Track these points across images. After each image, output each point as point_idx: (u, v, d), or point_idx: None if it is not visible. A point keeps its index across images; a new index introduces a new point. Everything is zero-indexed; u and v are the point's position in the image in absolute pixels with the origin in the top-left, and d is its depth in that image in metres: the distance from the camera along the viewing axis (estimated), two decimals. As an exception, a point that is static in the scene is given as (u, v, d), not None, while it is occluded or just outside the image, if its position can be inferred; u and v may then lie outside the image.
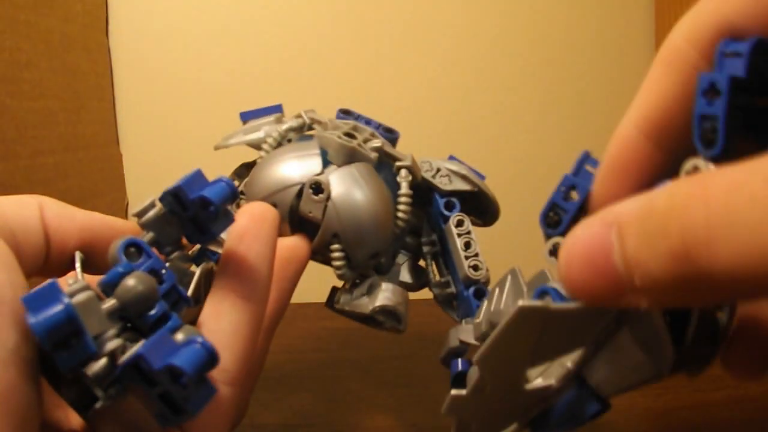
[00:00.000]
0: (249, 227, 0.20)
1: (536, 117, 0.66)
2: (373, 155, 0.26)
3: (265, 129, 0.30)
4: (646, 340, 0.18)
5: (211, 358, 0.17)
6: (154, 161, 0.63)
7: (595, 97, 0.66)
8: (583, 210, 0.21)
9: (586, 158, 0.22)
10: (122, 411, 0.18)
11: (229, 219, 0.20)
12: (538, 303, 0.16)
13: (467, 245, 0.27)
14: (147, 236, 0.20)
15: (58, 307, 0.15)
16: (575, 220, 0.21)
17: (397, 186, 0.27)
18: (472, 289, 0.26)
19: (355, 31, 0.64)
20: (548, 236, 0.21)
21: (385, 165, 0.27)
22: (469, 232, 0.28)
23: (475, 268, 0.27)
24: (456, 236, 0.28)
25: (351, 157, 0.26)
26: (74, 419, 0.20)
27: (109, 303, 0.17)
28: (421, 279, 0.30)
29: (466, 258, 0.27)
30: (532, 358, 0.18)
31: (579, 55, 0.65)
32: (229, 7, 0.63)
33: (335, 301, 0.28)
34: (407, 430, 0.31)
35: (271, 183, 0.26)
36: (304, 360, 0.32)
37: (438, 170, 0.29)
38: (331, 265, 0.26)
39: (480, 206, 0.30)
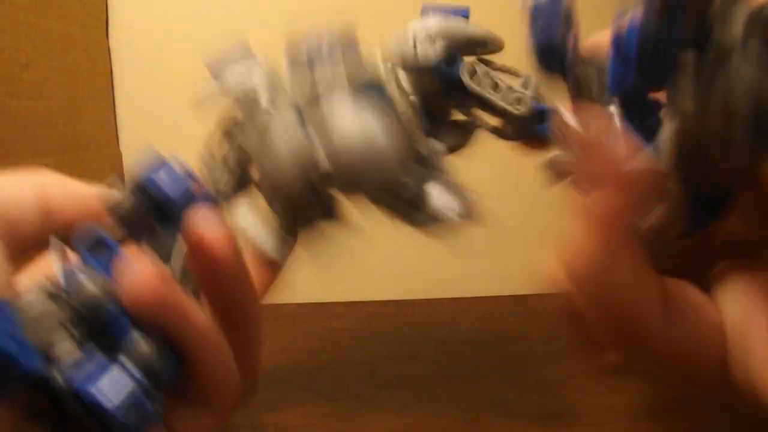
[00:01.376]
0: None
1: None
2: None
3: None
4: None
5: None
6: (154, 161, 0.63)
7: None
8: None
9: None
10: None
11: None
12: None
13: (495, 87, 0.24)
14: (117, 231, 0.20)
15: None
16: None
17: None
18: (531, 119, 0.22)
19: (358, 31, 0.64)
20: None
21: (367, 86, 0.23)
22: (486, 73, 0.24)
23: (518, 101, 0.23)
24: (477, 87, 0.24)
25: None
26: None
27: (63, 312, 0.16)
28: None
29: (503, 100, 0.23)
30: None
31: (579, 55, 0.66)
32: (229, 7, 0.63)
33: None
34: (408, 430, 0.31)
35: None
36: (304, 360, 0.32)
37: (415, 39, 0.24)
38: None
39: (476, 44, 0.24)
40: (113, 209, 0.20)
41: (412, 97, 0.22)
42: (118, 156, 0.63)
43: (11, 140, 0.44)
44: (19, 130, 0.45)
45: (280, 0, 0.63)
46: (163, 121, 0.64)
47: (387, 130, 0.21)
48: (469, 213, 0.23)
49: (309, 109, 0.22)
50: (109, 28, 0.62)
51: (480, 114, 0.23)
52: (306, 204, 0.22)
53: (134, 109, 0.63)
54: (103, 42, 0.61)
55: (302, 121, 0.22)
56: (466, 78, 0.23)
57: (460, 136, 0.24)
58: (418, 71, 0.22)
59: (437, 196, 0.22)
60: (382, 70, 0.23)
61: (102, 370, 0.16)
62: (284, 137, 0.22)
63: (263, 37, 0.67)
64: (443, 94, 0.23)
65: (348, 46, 0.25)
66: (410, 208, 0.22)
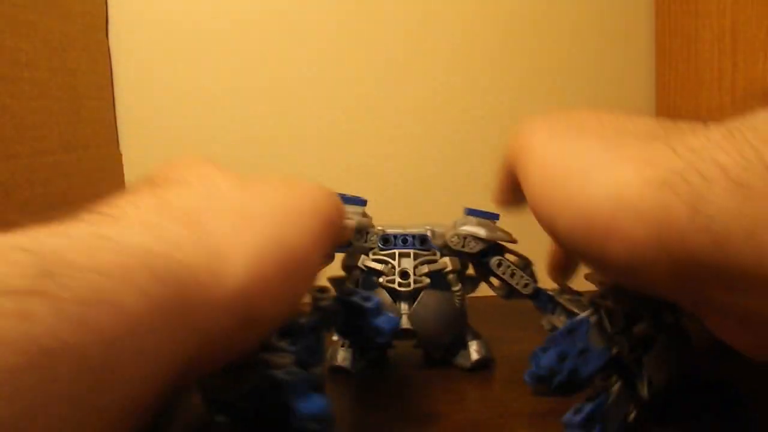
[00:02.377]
0: None
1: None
2: (427, 281, 0.36)
3: (356, 219, 0.37)
4: None
5: None
6: (154, 161, 0.63)
7: (594, 97, 0.66)
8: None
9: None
10: None
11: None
12: None
13: (512, 275, 0.37)
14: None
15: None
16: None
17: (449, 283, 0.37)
18: (537, 297, 0.36)
19: (356, 32, 0.64)
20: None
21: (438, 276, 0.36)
22: (508, 266, 0.37)
23: (525, 286, 0.36)
24: (501, 274, 0.36)
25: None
26: None
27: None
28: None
29: (516, 284, 0.36)
30: None
31: (578, 55, 0.65)
32: (229, 7, 0.63)
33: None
34: (407, 430, 0.31)
35: None
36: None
37: (465, 238, 0.37)
38: None
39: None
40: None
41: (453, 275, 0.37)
42: (118, 156, 0.63)
43: (11, 140, 0.44)
44: (19, 130, 0.45)
45: (280, 0, 0.63)
46: (163, 121, 0.64)
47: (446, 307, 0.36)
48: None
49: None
50: (109, 28, 0.62)
51: (492, 280, 0.38)
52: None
53: (134, 109, 0.63)
54: (103, 42, 0.61)
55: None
56: (494, 268, 0.37)
57: (474, 285, 0.39)
58: (471, 260, 0.37)
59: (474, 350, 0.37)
60: (449, 261, 0.37)
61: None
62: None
63: (264, 37, 0.67)
64: (481, 271, 0.38)
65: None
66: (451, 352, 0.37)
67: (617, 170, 0.20)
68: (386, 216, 0.39)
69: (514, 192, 0.29)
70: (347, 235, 0.35)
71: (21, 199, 0.45)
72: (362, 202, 0.38)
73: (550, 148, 0.24)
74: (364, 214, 0.38)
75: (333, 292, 0.30)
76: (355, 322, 0.29)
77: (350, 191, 0.59)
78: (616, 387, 0.26)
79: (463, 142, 0.65)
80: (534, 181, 0.24)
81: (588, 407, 0.25)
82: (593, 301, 0.28)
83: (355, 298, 0.29)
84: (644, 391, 0.26)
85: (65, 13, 0.53)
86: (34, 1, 0.47)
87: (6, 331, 0.12)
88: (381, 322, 0.28)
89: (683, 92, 0.60)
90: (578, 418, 0.25)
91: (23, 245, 0.14)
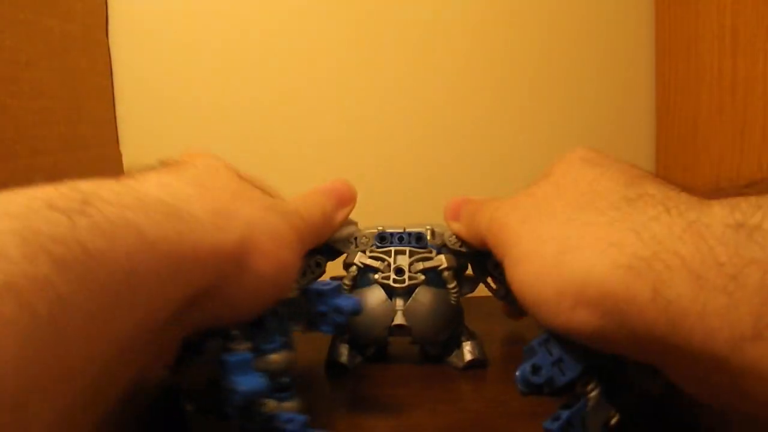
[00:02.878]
0: None
1: (533, 117, 0.66)
2: (421, 277, 0.36)
3: (346, 230, 0.38)
4: None
5: None
6: (153, 161, 0.63)
7: (594, 98, 0.66)
8: None
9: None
10: None
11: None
12: None
13: None
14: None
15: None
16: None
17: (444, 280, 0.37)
18: None
19: (356, 32, 0.64)
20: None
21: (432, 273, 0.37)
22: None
23: None
24: (498, 275, 0.37)
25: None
26: None
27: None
28: None
29: None
30: None
31: (578, 55, 0.65)
32: (229, 7, 0.63)
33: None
34: (408, 429, 0.31)
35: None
36: (302, 360, 0.32)
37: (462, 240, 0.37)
38: None
39: None
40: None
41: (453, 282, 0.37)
42: (118, 156, 0.63)
43: (11, 140, 0.44)
44: (19, 130, 0.45)
45: (280, 1, 0.63)
46: (163, 121, 0.64)
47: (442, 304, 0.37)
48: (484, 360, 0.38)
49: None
50: (109, 28, 0.62)
51: (489, 280, 0.39)
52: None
53: (134, 109, 0.63)
54: (103, 42, 0.61)
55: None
56: (491, 268, 0.37)
57: (472, 285, 0.39)
58: (470, 260, 0.38)
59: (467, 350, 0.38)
60: (444, 259, 0.37)
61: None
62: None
63: (264, 37, 0.67)
64: (478, 272, 0.39)
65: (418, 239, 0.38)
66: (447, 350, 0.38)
67: (586, 252, 0.23)
68: (387, 216, 0.39)
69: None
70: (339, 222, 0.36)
71: (21, 199, 0.45)
72: None
73: (523, 230, 0.27)
74: (348, 222, 0.39)
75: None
76: (318, 308, 0.30)
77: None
78: (594, 393, 0.26)
79: (463, 142, 0.65)
80: (510, 261, 0.27)
81: (565, 414, 0.26)
82: None
83: (314, 286, 0.30)
84: (629, 397, 0.26)
85: (65, 13, 0.53)
86: (34, 1, 0.47)
87: (58, 230, 0.16)
88: (340, 301, 0.29)
89: (683, 92, 0.60)
90: (556, 425, 0.25)
91: (69, 185, 0.19)
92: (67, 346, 0.16)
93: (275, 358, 0.27)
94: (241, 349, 0.26)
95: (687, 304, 0.19)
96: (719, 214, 0.20)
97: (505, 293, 0.39)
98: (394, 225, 0.39)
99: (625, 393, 0.26)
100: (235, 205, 0.26)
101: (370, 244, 0.38)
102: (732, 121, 0.51)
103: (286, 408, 0.27)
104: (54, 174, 0.49)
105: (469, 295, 0.39)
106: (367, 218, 0.40)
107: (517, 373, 0.26)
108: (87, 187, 0.19)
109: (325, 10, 0.64)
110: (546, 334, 0.26)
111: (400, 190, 0.65)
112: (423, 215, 0.41)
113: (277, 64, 0.64)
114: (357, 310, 0.29)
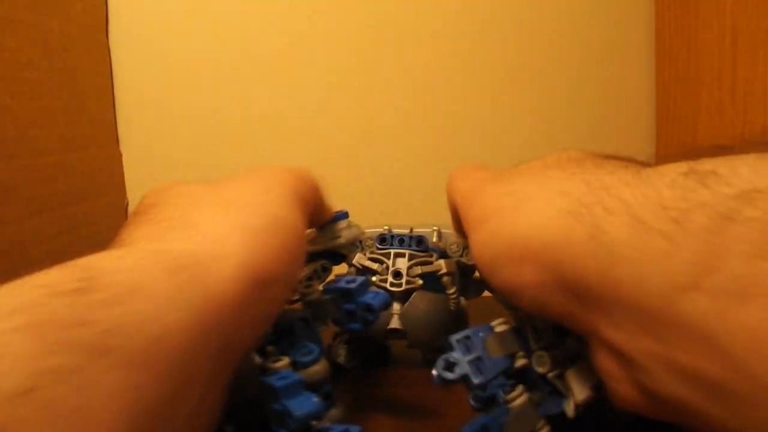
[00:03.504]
0: None
1: (534, 117, 0.66)
2: (419, 282, 0.35)
3: (344, 235, 0.36)
4: None
5: None
6: (154, 161, 0.63)
7: (594, 98, 0.66)
8: None
9: None
10: None
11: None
12: None
13: None
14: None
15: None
16: None
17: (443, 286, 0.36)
18: None
19: (355, 30, 0.64)
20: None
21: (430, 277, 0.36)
22: None
23: None
24: None
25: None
26: None
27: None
28: None
29: None
30: None
31: (578, 55, 0.65)
32: (229, 6, 0.63)
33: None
34: (408, 429, 0.31)
35: None
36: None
37: (465, 248, 0.36)
38: None
39: None
40: None
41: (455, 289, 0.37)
42: (118, 156, 0.63)
43: (11, 140, 0.44)
44: (19, 130, 0.45)
45: (280, 2, 0.63)
46: (163, 121, 0.64)
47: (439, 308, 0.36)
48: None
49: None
50: (109, 28, 0.62)
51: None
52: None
53: (134, 109, 0.63)
54: (103, 42, 0.61)
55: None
56: None
57: (478, 289, 0.39)
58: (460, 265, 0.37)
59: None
60: (444, 264, 0.36)
61: None
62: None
63: (264, 37, 0.67)
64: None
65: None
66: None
67: (537, 203, 0.22)
68: (388, 217, 0.39)
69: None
70: (324, 206, 0.34)
71: (21, 199, 0.45)
72: (344, 216, 0.38)
73: (486, 191, 0.26)
74: (349, 225, 0.38)
75: (319, 285, 0.30)
76: (345, 306, 0.28)
77: (351, 192, 0.59)
78: (519, 401, 0.25)
79: (463, 142, 0.65)
80: (469, 221, 0.26)
81: (482, 419, 0.24)
82: (518, 315, 0.27)
83: (340, 284, 0.28)
84: (568, 407, 0.25)
85: (65, 13, 0.53)
86: (34, 1, 0.47)
87: (73, 310, 0.15)
88: (369, 298, 0.28)
89: (683, 92, 0.60)
90: (469, 429, 0.24)
91: (66, 264, 0.18)
92: None
93: (316, 369, 0.26)
94: (281, 368, 0.25)
95: (621, 249, 0.18)
96: (673, 165, 0.19)
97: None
98: (401, 225, 0.39)
99: (566, 404, 0.25)
100: (224, 219, 0.24)
101: (370, 247, 0.38)
102: (732, 121, 0.51)
103: (333, 417, 0.26)
104: (54, 174, 0.49)
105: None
106: (375, 219, 0.40)
107: (434, 366, 0.25)
108: (83, 261, 0.18)
109: (327, 11, 0.64)
110: (469, 330, 0.25)
111: (405, 190, 0.65)
112: (430, 215, 0.41)
113: (278, 64, 0.64)
114: (387, 304, 0.28)
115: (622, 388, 0.19)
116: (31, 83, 0.47)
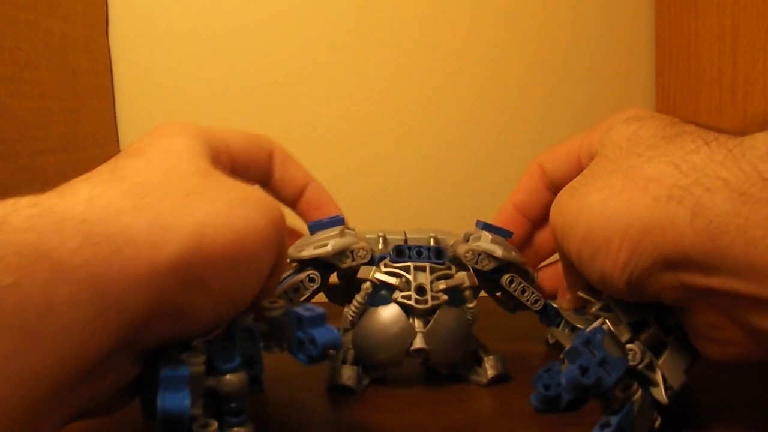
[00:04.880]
0: None
1: (535, 117, 0.66)
2: (444, 297, 0.34)
3: (331, 243, 0.35)
4: None
5: None
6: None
7: (595, 98, 0.66)
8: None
9: None
10: None
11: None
12: None
13: (523, 291, 0.37)
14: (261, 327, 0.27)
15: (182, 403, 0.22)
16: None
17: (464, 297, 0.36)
18: (544, 311, 0.38)
19: (357, 33, 0.64)
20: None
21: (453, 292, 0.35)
22: (519, 283, 0.37)
23: (536, 302, 0.37)
24: (512, 291, 0.37)
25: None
26: None
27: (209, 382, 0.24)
28: None
29: (527, 300, 0.37)
30: None
31: (578, 55, 0.65)
32: (230, 7, 0.63)
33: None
34: (408, 430, 0.31)
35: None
36: (280, 370, 0.32)
37: (479, 255, 0.36)
38: None
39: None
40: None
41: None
42: (118, 156, 0.63)
43: (11, 140, 0.44)
44: (19, 130, 0.45)
45: (281, 1, 0.63)
46: (163, 121, 0.64)
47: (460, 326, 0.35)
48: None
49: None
50: (109, 28, 0.62)
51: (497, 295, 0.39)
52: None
53: (134, 109, 0.63)
54: (103, 42, 0.61)
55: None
56: (506, 285, 0.37)
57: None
58: (477, 272, 0.37)
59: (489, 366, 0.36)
60: (466, 277, 0.36)
61: None
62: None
63: (265, 38, 0.67)
64: (488, 285, 0.39)
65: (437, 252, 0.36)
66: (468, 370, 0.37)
67: (627, 193, 0.23)
68: (390, 220, 0.39)
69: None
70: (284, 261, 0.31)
71: (21, 199, 0.45)
72: (339, 222, 0.36)
73: (570, 202, 0.27)
74: (344, 232, 0.36)
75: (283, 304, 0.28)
76: (296, 334, 0.26)
77: (351, 193, 0.59)
78: (638, 396, 0.26)
79: (463, 143, 0.65)
80: (561, 234, 0.28)
81: (615, 420, 0.25)
82: (597, 315, 0.28)
83: (298, 309, 0.26)
84: (663, 396, 0.26)
85: (65, 13, 0.53)
86: (34, 1, 0.47)
87: None
88: (317, 332, 0.25)
89: (683, 92, 0.60)
90: None
91: None
92: None
93: (230, 379, 0.25)
94: (194, 362, 0.23)
95: (728, 219, 0.20)
96: (761, 137, 0.21)
97: (514, 306, 0.39)
98: (393, 230, 0.38)
99: (659, 393, 0.27)
100: (186, 208, 0.23)
101: (367, 257, 0.35)
102: (732, 121, 0.51)
103: None
104: (54, 174, 0.49)
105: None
106: (366, 222, 0.39)
107: (562, 378, 0.26)
108: None
109: (329, 12, 0.64)
110: (586, 335, 0.26)
111: (398, 193, 0.65)
112: (419, 218, 0.40)
113: (278, 66, 0.64)
114: (334, 346, 0.25)
115: (727, 334, 0.23)
116: (31, 83, 0.47)
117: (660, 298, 0.25)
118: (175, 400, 0.22)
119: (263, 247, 0.25)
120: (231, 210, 0.24)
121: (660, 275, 0.23)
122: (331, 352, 0.26)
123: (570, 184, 0.29)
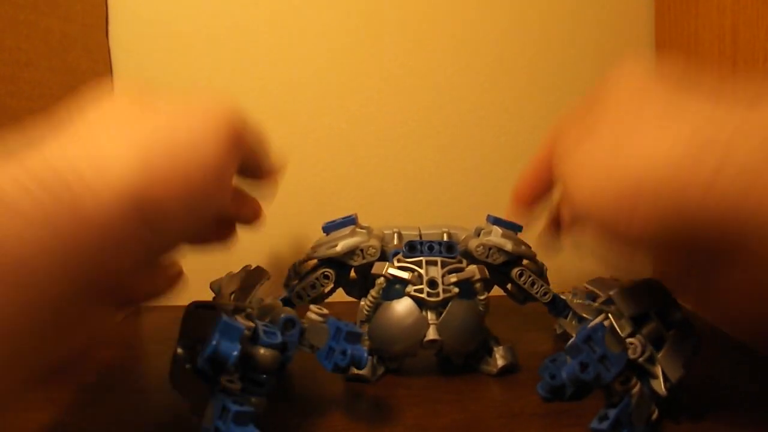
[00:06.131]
0: None
1: (533, 117, 0.66)
2: (456, 290, 0.35)
3: (341, 244, 0.37)
4: None
5: None
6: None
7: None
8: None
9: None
10: None
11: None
12: None
13: (532, 284, 0.39)
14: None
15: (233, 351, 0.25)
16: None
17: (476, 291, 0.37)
18: (553, 303, 0.40)
19: (357, 33, 0.64)
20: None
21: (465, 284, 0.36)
22: (529, 275, 0.38)
23: (545, 294, 0.39)
24: (522, 284, 0.38)
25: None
26: None
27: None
28: None
29: (536, 292, 0.39)
30: None
31: (578, 55, 0.65)
32: (230, 7, 0.63)
33: None
34: (408, 430, 0.31)
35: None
36: (303, 359, 0.32)
37: (490, 249, 0.37)
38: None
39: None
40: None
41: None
42: (118, 156, 0.63)
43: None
44: (19, 130, 0.45)
45: (281, 2, 0.63)
46: (163, 121, 0.64)
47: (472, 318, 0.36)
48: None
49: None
50: (109, 28, 0.62)
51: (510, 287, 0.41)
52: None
53: (134, 109, 0.63)
54: (103, 42, 0.61)
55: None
56: (516, 278, 0.38)
57: (488, 290, 0.39)
58: (488, 266, 0.38)
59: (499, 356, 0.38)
60: (477, 270, 0.37)
61: None
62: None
63: (264, 38, 0.67)
64: (498, 278, 0.40)
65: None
66: (479, 361, 0.38)
67: (639, 144, 0.22)
68: (395, 217, 0.39)
69: (541, 187, 0.34)
70: (257, 149, 0.32)
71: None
72: (350, 222, 0.38)
73: (577, 149, 0.25)
74: (354, 232, 0.37)
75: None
76: (329, 341, 0.30)
77: (351, 194, 0.59)
78: (636, 389, 0.27)
79: (462, 143, 0.65)
80: (566, 183, 0.26)
81: (613, 413, 0.26)
82: (600, 309, 0.29)
83: (340, 322, 0.30)
84: (662, 389, 0.27)
85: (65, 13, 0.53)
86: (34, 1, 0.47)
87: None
88: (351, 347, 0.29)
89: (683, 92, 0.60)
90: (605, 425, 0.26)
91: None
92: None
93: (265, 353, 0.27)
94: (241, 323, 0.26)
95: (755, 173, 0.19)
96: None
97: (524, 299, 0.40)
98: (408, 225, 0.39)
99: (658, 385, 0.27)
100: (123, 137, 0.22)
101: (376, 254, 0.37)
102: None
103: (252, 402, 0.27)
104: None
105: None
106: (380, 219, 0.40)
107: (564, 373, 0.27)
108: None
109: (329, 12, 0.64)
110: (588, 331, 0.27)
111: (408, 190, 0.65)
112: (431, 213, 0.41)
113: (279, 66, 0.64)
114: (359, 364, 0.29)
115: (755, 288, 0.22)
116: (31, 83, 0.47)
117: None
118: (228, 347, 0.25)
119: (217, 153, 0.24)
120: (173, 123, 0.24)
121: (676, 233, 0.22)
122: (354, 369, 0.31)
123: (574, 131, 0.27)
